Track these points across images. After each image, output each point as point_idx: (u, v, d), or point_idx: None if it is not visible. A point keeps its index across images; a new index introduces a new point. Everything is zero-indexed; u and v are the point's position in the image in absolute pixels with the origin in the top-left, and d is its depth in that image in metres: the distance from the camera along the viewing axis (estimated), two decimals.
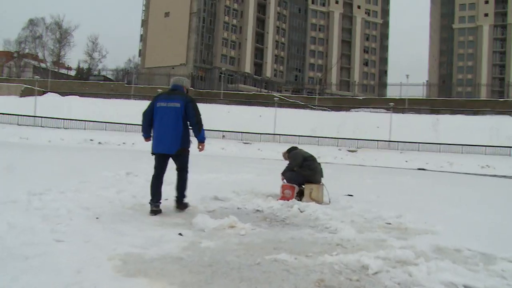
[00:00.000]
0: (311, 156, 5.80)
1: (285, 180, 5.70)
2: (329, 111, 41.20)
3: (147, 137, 4.37)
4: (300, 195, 5.52)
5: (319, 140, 31.24)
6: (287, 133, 31.84)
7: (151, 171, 4.26)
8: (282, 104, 40.75)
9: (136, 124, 28.25)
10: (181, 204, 4.33)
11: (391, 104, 34.39)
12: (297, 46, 71.71)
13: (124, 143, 25.90)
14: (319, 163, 5.86)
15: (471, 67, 71.26)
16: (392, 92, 47.70)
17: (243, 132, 31.73)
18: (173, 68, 55.47)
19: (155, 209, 4.10)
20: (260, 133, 31.91)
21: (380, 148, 30.31)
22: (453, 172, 20.33)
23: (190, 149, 4.32)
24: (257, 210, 4.62)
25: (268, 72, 66.18)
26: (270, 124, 33.92)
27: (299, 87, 68.63)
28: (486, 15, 70.87)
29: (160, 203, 4.17)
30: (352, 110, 41.32)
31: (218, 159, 17.02)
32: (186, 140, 4.21)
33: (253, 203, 4.95)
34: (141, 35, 63.31)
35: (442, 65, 76.46)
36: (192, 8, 57.79)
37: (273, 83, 65.71)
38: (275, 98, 37.50)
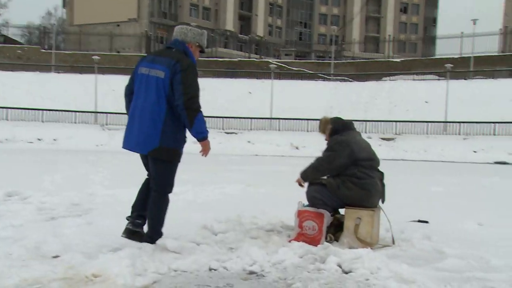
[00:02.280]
0: (373, 159, 4.68)
1: (303, 203, 4.59)
2: (350, 81, 41.10)
3: None
4: (335, 231, 4.54)
5: None
6: (289, 116, 31.53)
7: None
8: (282, 74, 40.67)
9: (60, 110, 28.91)
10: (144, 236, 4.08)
11: (448, 66, 33.59)
12: None
13: (39, 139, 26.01)
14: (382, 173, 4.76)
15: None
16: (446, 49, 46.93)
17: (225, 117, 31.53)
18: (118, 25, 55.18)
19: (130, 228, 3.99)
20: (251, 118, 31.81)
21: (431, 134, 29.96)
22: None
23: (181, 152, 4.09)
24: (251, 273, 3.63)
25: (259, 29, 65.87)
26: (264, 105, 33.48)
27: (306, 49, 68.84)
28: None
29: (140, 222, 4.06)
30: (385, 79, 41.04)
31: (187, 159, 16.08)
32: (171, 135, 3.93)
33: (241, 255, 3.90)
34: None
35: None
36: None
37: (268, 45, 65.53)
38: (271, 66, 37.23)
